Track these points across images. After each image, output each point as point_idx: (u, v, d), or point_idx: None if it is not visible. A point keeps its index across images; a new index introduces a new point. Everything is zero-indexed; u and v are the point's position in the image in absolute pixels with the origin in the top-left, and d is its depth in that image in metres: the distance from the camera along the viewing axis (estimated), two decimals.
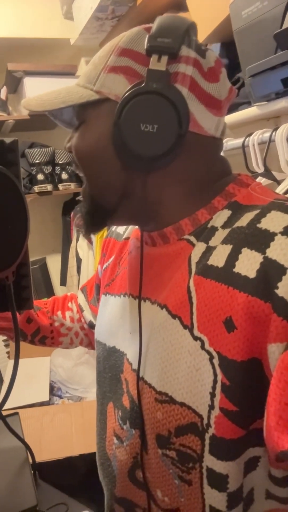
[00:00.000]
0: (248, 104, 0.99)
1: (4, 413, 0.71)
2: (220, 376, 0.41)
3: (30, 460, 0.63)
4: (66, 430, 1.18)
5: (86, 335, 0.82)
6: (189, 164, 0.48)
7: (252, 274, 0.39)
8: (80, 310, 0.81)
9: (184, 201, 0.49)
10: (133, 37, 0.46)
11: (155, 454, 0.48)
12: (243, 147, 0.97)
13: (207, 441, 0.43)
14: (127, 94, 0.44)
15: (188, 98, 0.45)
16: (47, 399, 1.43)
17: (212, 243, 0.46)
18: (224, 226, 0.46)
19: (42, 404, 1.40)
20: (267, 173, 0.95)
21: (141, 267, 0.50)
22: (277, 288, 0.37)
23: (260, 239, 0.41)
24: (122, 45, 0.46)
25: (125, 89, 0.45)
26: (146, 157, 0.45)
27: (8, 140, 0.47)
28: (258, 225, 0.42)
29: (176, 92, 0.44)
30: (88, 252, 1.87)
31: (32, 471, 0.63)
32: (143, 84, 0.44)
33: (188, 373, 0.44)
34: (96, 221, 0.54)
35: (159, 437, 0.47)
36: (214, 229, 0.46)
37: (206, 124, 0.47)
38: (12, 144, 0.47)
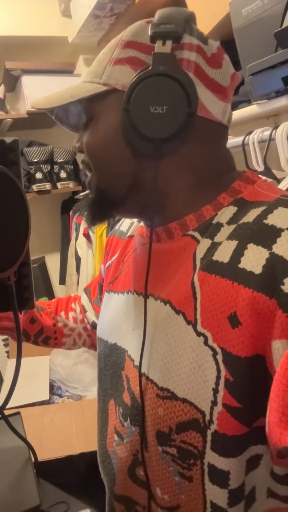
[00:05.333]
0: (248, 102, 0.99)
1: (6, 412, 0.71)
2: (223, 372, 0.41)
3: (33, 460, 0.63)
4: (66, 429, 1.17)
5: (89, 336, 0.82)
6: (197, 150, 0.48)
7: (258, 270, 0.39)
8: (83, 310, 0.80)
9: (191, 194, 0.49)
10: (136, 30, 0.47)
11: (155, 451, 0.48)
12: (243, 145, 0.97)
13: (209, 438, 0.43)
14: (134, 79, 0.45)
15: (194, 83, 0.45)
16: (47, 398, 1.43)
17: (217, 239, 0.45)
18: (229, 222, 0.46)
19: (42, 403, 1.41)
20: (267, 172, 0.94)
21: (149, 263, 0.49)
22: (283, 284, 0.37)
23: (266, 235, 0.40)
24: (125, 38, 0.47)
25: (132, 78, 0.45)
26: (157, 139, 0.45)
27: (9, 139, 0.47)
28: (265, 221, 0.42)
29: (183, 73, 0.44)
30: (87, 251, 1.87)
31: (35, 471, 0.63)
32: (149, 68, 0.44)
33: (190, 369, 0.44)
34: (102, 212, 0.53)
35: (159, 434, 0.47)
36: (219, 225, 0.46)
37: (213, 108, 0.47)
38: (13, 144, 0.47)
